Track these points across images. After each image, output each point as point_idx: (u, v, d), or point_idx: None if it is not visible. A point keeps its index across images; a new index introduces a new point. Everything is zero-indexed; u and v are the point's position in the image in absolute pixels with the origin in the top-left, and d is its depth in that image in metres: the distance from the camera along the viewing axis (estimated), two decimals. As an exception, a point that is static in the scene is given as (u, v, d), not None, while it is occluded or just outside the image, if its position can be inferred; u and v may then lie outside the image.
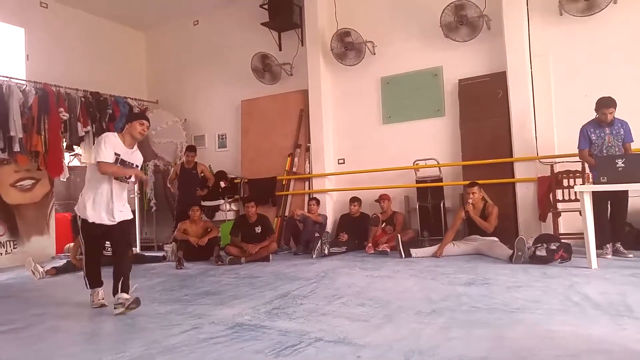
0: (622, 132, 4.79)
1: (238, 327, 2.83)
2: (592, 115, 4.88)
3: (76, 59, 8.08)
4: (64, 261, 6.08)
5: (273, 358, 2.26)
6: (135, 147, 3.71)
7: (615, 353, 2.09)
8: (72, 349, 2.62)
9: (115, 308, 3.35)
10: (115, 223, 3.56)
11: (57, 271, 5.60)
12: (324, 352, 2.31)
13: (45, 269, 5.51)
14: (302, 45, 7.60)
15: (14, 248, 6.94)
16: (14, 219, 7.02)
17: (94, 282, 3.71)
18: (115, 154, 3.52)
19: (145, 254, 7.01)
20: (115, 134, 3.69)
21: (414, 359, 2.14)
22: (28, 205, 7.17)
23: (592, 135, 4.83)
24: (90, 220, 3.52)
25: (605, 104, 4.70)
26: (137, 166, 3.67)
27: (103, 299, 3.67)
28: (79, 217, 3.58)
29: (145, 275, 5.30)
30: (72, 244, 6.94)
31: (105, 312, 3.52)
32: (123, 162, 3.55)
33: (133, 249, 6.73)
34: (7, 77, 6.78)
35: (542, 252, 4.52)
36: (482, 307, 3.01)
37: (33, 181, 7.24)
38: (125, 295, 3.40)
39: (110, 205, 3.53)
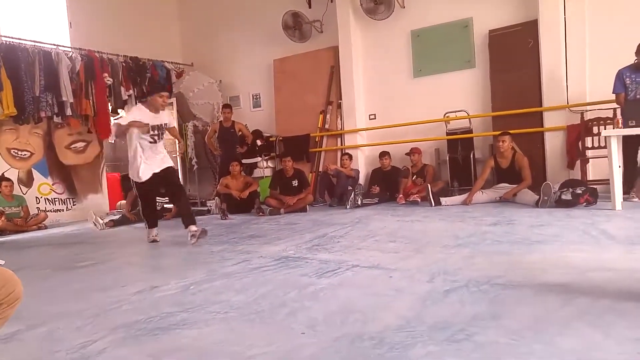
0: None
1: (284, 259, 3.23)
2: (629, 60, 4.90)
3: (115, 25, 8.42)
4: (119, 215, 6.66)
5: (316, 279, 2.64)
6: (161, 111, 4.48)
7: (620, 271, 2.35)
8: (145, 276, 3.09)
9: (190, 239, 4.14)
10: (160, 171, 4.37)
11: (115, 223, 6.23)
12: (360, 274, 2.68)
13: (105, 222, 6.13)
14: (332, 1, 7.67)
15: (73, 205, 7.60)
16: (71, 179, 7.64)
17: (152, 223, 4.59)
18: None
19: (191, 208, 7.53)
20: (140, 105, 4.47)
21: (439, 278, 2.46)
22: (82, 166, 7.76)
23: (627, 79, 4.88)
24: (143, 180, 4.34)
25: None
26: (165, 124, 4.45)
27: (156, 236, 4.54)
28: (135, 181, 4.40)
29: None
30: (123, 201, 7.56)
31: (166, 252, 3.99)
32: (153, 128, 4.32)
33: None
34: (54, 45, 7.23)
35: (567, 196, 4.70)
36: (504, 241, 3.29)
37: (85, 143, 7.79)
38: (193, 227, 4.16)
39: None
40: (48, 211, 7.11)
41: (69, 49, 7.52)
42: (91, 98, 7.50)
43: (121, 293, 2.68)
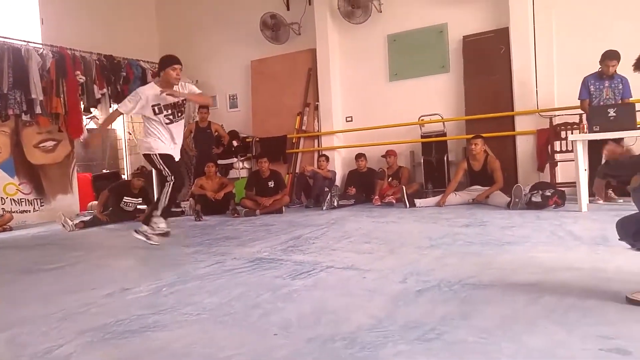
0: (620, 87, 5.02)
1: (258, 261, 3.21)
2: (593, 69, 5.11)
3: (88, 22, 8.26)
4: (90, 216, 6.50)
5: (290, 280, 2.63)
6: (179, 82, 3.97)
7: (584, 270, 2.43)
8: (115, 278, 3.02)
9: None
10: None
11: (85, 224, 6.03)
12: (334, 275, 2.69)
13: (75, 223, 5.93)
14: (310, 4, 7.71)
15: (41, 206, 7.37)
16: (39, 179, 7.40)
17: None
18: (153, 106, 3.83)
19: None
20: (152, 84, 3.96)
21: (412, 279, 2.49)
22: (51, 165, 7.54)
23: (592, 86, 5.11)
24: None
25: (609, 56, 4.94)
26: (183, 101, 3.99)
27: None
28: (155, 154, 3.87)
29: (167, 226, 5.70)
30: (95, 202, 7.39)
31: (138, 254, 3.92)
32: (166, 107, 3.86)
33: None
34: (25, 41, 7.03)
35: (537, 199, 4.83)
36: (476, 242, 3.35)
37: (55, 142, 7.57)
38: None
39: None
40: (14, 212, 6.85)
41: (40, 46, 7.33)
42: (62, 96, 7.31)
43: (90, 296, 2.62)
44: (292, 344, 1.74)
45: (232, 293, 2.47)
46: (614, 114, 4.33)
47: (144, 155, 4.01)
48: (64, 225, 5.86)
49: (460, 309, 1.98)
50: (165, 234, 3.92)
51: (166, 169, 3.86)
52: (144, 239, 3.84)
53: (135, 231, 3.89)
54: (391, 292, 2.27)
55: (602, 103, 4.99)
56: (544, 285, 2.22)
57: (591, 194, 4.61)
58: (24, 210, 7.14)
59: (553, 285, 2.20)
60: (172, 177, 3.83)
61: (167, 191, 3.84)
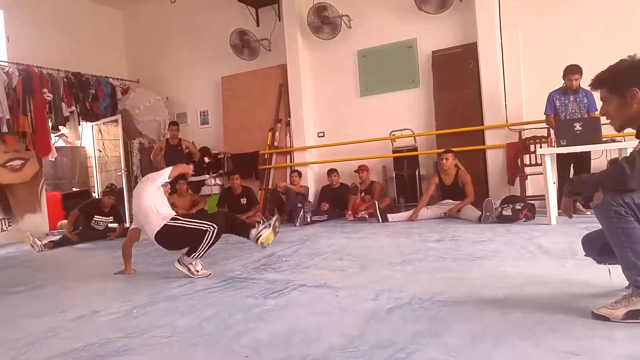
0: (585, 101, 5.17)
1: (230, 280, 3.18)
2: (559, 82, 5.26)
3: (56, 39, 8.13)
4: (60, 236, 6.33)
5: (262, 300, 2.62)
6: None
7: (552, 284, 2.48)
8: (85, 300, 2.95)
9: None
10: None
11: (54, 244, 5.88)
12: (307, 294, 2.68)
13: (43, 243, 5.78)
14: (280, 20, 7.77)
15: (8, 226, 7.17)
16: (7, 198, 7.21)
17: None
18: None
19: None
20: None
21: (383, 296, 2.51)
22: (19, 185, 7.36)
23: (557, 101, 5.24)
24: None
25: (572, 70, 5.08)
26: None
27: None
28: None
29: (138, 245, 5.52)
30: (65, 221, 7.20)
31: (109, 275, 3.83)
32: None
33: (124, 223, 6.94)
34: (-11, 59, 6.89)
35: (508, 212, 4.92)
36: (447, 257, 3.39)
37: (22, 161, 7.41)
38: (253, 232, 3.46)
39: None
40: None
41: (6, 64, 7.18)
42: (29, 114, 7.17)
43: (59, 319, 2.55)
44: (264, 367, 1.73)
45: (204, 314, 2.44)
46: (580, 128, 4.43)
47: (162, 232, 3.39)
48: (32, 246, 5.72)
49: (431, 327, 2.00)
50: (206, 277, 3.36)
51: (198, 222, 3.34)
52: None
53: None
54: (363, 310, 2.28)
55: (568, 117, 5.13)
56: (513, 300, 2.26)
57: (559, 207, 4.71)
58: (-11, 232, 6.94)
59: (522, 301, 2.25)
60: (213, 225, 3.30)
61: (211, 237, 3.29)
